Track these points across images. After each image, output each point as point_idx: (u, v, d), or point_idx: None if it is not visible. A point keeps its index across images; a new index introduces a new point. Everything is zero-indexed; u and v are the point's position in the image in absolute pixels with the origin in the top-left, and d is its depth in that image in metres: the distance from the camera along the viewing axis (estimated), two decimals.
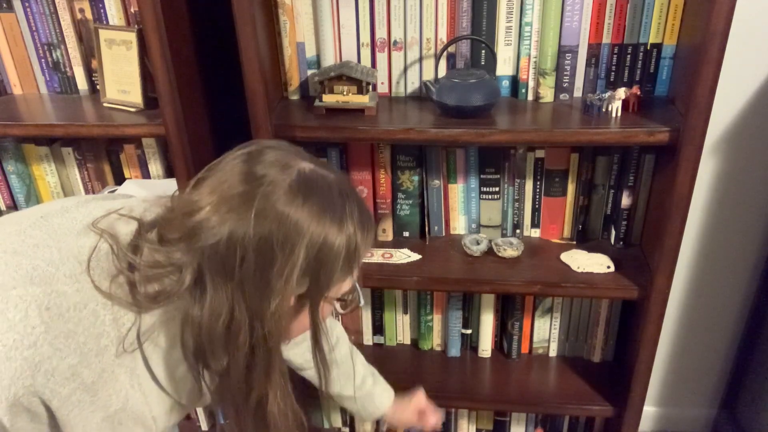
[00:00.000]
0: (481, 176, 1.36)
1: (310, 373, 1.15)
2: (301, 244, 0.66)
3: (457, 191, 1.39)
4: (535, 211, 1.39)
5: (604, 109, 1.16)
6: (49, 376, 0.63)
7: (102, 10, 1.27)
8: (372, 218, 0.76)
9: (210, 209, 0.66)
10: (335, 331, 1.18)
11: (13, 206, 1.47)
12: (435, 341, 1.61)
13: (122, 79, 1.27)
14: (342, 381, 1.15)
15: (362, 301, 0.81)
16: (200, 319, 0.67)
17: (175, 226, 0.68)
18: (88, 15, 1.28)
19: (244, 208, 0.65)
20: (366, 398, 1.19)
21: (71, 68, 1.34)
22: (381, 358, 1.60)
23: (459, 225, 1.43)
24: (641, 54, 1.21)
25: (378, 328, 1.61)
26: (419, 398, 1.27)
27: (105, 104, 1.30)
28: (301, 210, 0.66)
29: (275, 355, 0.71)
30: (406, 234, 1.43)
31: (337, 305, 0.79)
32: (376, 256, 1.37)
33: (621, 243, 1.36)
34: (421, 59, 1.25)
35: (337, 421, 1.71)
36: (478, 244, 1.36)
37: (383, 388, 1.23)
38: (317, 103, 1.21)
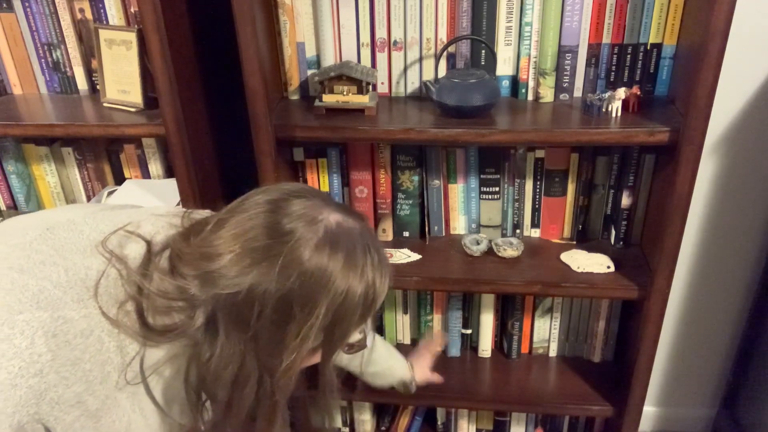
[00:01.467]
0: (481, 176, 1.36)
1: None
2: (322, 303, 0.65)
3: (457, 191, 1.38)
4: (535, 211, 1.39)
5: (604, 109, 1.16)
6: (54, 404, 0.62)
7: (102, 10, 1.27)
8: (389, 265, 0.74)
9: (232, 258, 0.64)
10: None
11: (13, 206, 1.47)
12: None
13: (122, 79, 1.27)
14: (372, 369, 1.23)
15: (369, 344, 0.81)
16: (209, 364, 0.66)
17: (191, 264, 0.66)
18: (88, 15, 1.28)
19: (268, 263, 0.64)
20: (388, 372, 1.28)
21: (71, 68, 1.34)
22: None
23: (459, 225, 1.43)
24: (641, 54, 1.21)
25: (378, 328, 1.61)
26: (420, 349, 1.38)
27: (105, 104, 1.30)
28: (326, 267, 0.65)
29: (279, 408, 0.70)
30: (406, 234, 1.43)
31: (345, 348, 0.78)
32: None
33: (621, 243, 1.36)
34: (421, 59, 1.25)
35: (337, 421, 1.71)
36: (478, 244, 1.36)
37: (401, 364, 1.30)
38: (317, 103, 1.21)
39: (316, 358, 0.73)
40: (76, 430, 0.65)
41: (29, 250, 0.69)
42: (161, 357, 0.68)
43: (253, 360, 0.66)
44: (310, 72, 1.29)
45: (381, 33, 1.24)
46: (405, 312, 1.58)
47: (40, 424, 0.62)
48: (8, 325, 0.62)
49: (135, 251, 0.70)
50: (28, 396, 0.61)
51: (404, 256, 1.37)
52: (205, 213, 0.78)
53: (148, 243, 0.70)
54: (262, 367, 0.66)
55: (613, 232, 1.37)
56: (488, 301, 1.51)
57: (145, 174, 1.40)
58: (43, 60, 1.34)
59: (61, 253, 0.69)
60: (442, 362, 1.58)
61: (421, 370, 1.34)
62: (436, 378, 1.38)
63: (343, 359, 1.14)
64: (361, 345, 0.79)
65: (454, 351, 1.59)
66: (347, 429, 1.72)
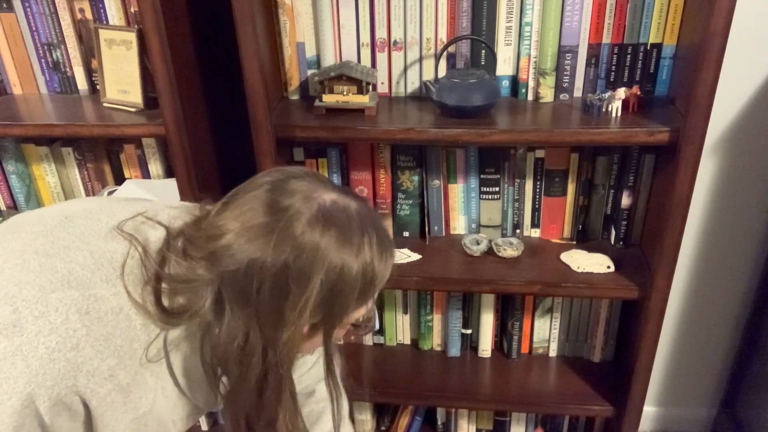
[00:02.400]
0: (481, 176, 1.36)
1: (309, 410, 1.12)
2: (316, 277, 0.67)
3: (457, 191, 1.39)
4: (535, 211, 1.39)
5: (604, 109, 1.16)
6: (90, 377, 0.65)
7: (102, 10, 1.27)
8: (392, 246, 0.76)
9: (232, 236, 0.67)
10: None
11: (13, 206, 1.47)
12: (435, 341, 1.61)
13: (122, 79, 1.27)
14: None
15: (377, 326, 0.82)
16: (218, 339, 0.69)
17: (199, 246, 0.69)
18: (88, 15, 1.28)
19: (265, 238, 0.66)
20: None
21: (71, 68, 1.34)
22: (381, 358, 1.60)
23: (459, 225, 1.43)
24: (641, 54, 1.21)
25: (378, 328, 1.61)
26: None
27: (105, 104, 1.30)
28: (318, 243, 0.67)
29: (286, 380, 0.73)
30: (406, 234, 1.43)
31: (352, 329, 0.80)
32: None
33: (621, 243, 1.37)
34: (421, 59, 1.25)
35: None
36: (478, 244, 1.36)
37: None
38: (317, 103, 1.21)
39: (320, 338, 0.74)
40: (108, 404, 0.68)
41: (51, 236, 0.71)
42: (180, 334, 0.72)
43: (256, 333, 0.68)
44: (310, 72, 1.29)
45: (381, 33, 1.24)
46: (405, 312, 1.58)
47: (77, 396, 0.65)
48: (42, 303, 0.65)
49: (154, 236, 0.73)
50: (66, 369, 0.64)
51: (404, 256, 1.37)
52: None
53: (167, 228, 0.73)
54: (265, 341, 0.68)
55: (613, 232, 1.37)
56: (488, 301, 1.51)
57: (145, 174, 1.40)
58: (43, 60, 1.34)
59: (83, 239, 0.71)
60: (442, 362, 1.59)
61: None
62: None
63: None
64: (369, 327, 0.81)
65: (454, 351, 1.59)
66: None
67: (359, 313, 0.76)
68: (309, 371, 1.09)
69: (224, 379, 0.75)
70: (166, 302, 0.69)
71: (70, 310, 0.65)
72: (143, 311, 0.69)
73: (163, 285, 0.69)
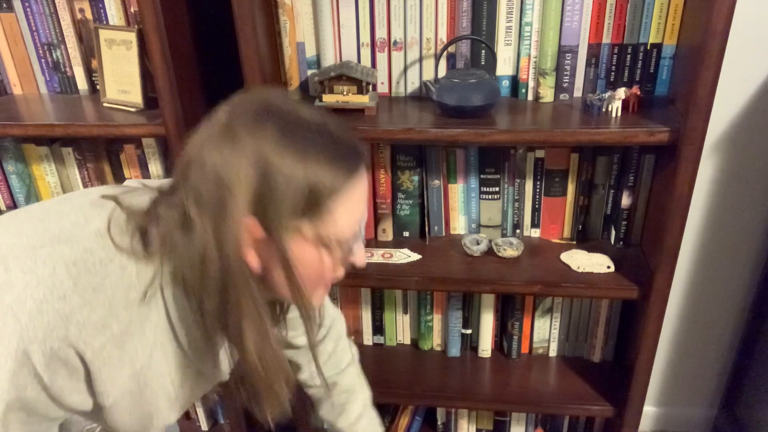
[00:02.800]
0: (481, 176, 1.36)
1: (314, 392, 1.16)
2: (246, 162, 0.66)
3: (457, 191, 1.39)
4: (535, 211, 1.39)
5: (604, 109, 1.16)
6: (81, 327, 0.65)
7: (102, 10, 1.27)
8: (358, 160, 0.72)
9: (194, 144, 0.69)
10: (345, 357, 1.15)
11: (13, 206, 1.47)
12: (435, 341, 1.61)
13: (122, 79, 1.27)
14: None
15: (359, 258, 0.79)
16: (188, 258, 0.70)
17: (176, 173, 0.72)
18: (88, 15, 1.28)
19: (217, 138, 0.68)
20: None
21: (71, 68, 1.34)
22: (381, 358, 1.60)
23: (459, 225, 1.43)
24: (641, 54, 1.21)
25: (378, 328, 1.61)
26: None
27: (105, 104, 1.30)
28: (255, 133, 0.66)
29: (244, 284, 0.70)
30: (406, 234, 1.43)
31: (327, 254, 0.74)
32: (376, 256, 1.37)
33: (621, 243, 1.37)
34: (421, 59, 1.25)
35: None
36: (478, 244, 1.36)
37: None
38: (317, 102, 1.21)
39: (279, 266, 0.71)
40: (105, 358, 0.68)
41: (46, 207, 0.74)
42: (173, 278, 0.72)
43: (210, 236, 0.68)
44: (310, 72, 1.29)
45: (381, 33, 1.24)
46: (405, 312, 1.58)
47: (71, 348, 0.65)
48: (31, 258, 0.65)
49: (145, 197, 0.75)
50: (55, 320, 0.64)
51: (404, 256, 1.37)
52: None
53: (158, 188, 0.75)
54: (217, 241, 0.68)
55: (613, 232, 1.37)
56: (488, 301, 1.51)
57: (145, 174, 1.40)
58: (43, 60, 1.34)
59: (78, 208, 0.73)
60: (442, 362, 1.59)
61: None
62: None
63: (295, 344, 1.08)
64: (344, 253, 0.76)
65: (454, 351, 1.59)
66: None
67: (322, 230, 0.70)
68: (327, 362, 1.10)
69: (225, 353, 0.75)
70: (152, 240, 0.70)
71: (58, 263, 0.65)
72: (134, 258, 0.69)
73: (150, 228, 0.71)
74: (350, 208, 0.72)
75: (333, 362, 1.11)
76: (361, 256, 0.79)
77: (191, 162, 0.69)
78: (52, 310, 0.64)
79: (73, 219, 0.71)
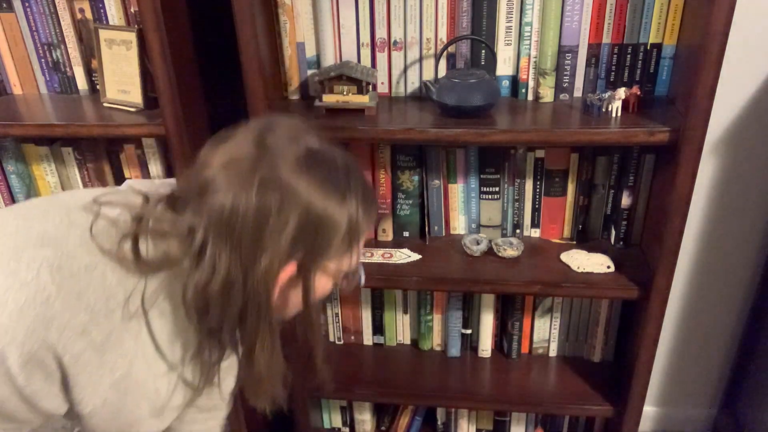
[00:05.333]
0: (481, 176, 1.36)
1: None
2: (296, 210, 0.68)
3: (457, 191, 1.39)
4: (535, 211, 1.39)
5: (604, 109, 1.16)
6: (61, 332, 0.65)
7: (102, 10, 1.27)
8: (376, 199, 0.79)
9: (219, 168, 0.69)
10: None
11: None
12: (435, 341, 1.61)
13: (122, 79, 1.27)
14: None
15: (363, 281, 0.83)
16: (201, 277, 0.70)
17: (189, 182, 0.71)
18: (88, 15, 1.28)
19: (250, 172, 0.68)
20: None
21: (71, 68, 1.34)
22: (381, 358, 1.60)
23: (459, 225, 1.43)
24: (641, 54, 1.21)
25: (378, 328, 1.61)
26: None
27: (105, 104, 1.29)
28: (302, 180, 0.69)
29: (264, 314, 0.73)
30: (406, 234, 1.43)
31: (339, 282, 0.81)
32: (376, 256, 1.37)
33: (621, 243, 1.37)
34: (421, 59, 1.25)
35: (337, 421, 1.71)
36: (478, 244, 1.36)
37: None
38: (317, 103, 1.21)
39: (299, 292, 0.75)
40: (83, 363, 0.68)
41: (31, 205, 0.74)
42: (158, 289, 0.72)
43: (237, 265, 0.69)
44: (310, 72, 1.29)
45: (381, 33, 1.24)
46: (405, 312, 1.58)
47: (50, 352, 0.65)
48: (14, 260, 0.65)
49: (133, 201, 0.75)
50: (35, 323, 0.63)
51: (404, 256, 1.37)
52: None
53: (145, 194, 0.75)
54: (245, 271, 0.69)
55: (613, 232, 1.37)
56: (488, 301, 1.51)
57: (145, 174, 1.40)
58: (43, 60, 1.34)
59: (63, 208, 0.73)
60: (442, 362, 1.59)
61: None
62: None
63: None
64: (355, 279, 0.82)
65: (454, 351, 1.59)
66: (347, 429, 1.72)
67: (345, 262, 0.77)
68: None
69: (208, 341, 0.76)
70: (144, 251, 0.70)
71: (42, 267, 0.65)
72: (119, 265, 0.69)
73: (141, 237, 0.70)
74: (363, 242, 0.78)
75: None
76: (363, 278, 0.85)
77: (212, 187, 0.68)
78: (33, 314, 0.63)
79: (58, 221, 0.70)
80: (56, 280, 0.65)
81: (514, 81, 1.27)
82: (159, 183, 0.82)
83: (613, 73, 1.23)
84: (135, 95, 1.26)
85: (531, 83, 1.25)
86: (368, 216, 0.75)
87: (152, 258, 0.70)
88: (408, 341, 1.63)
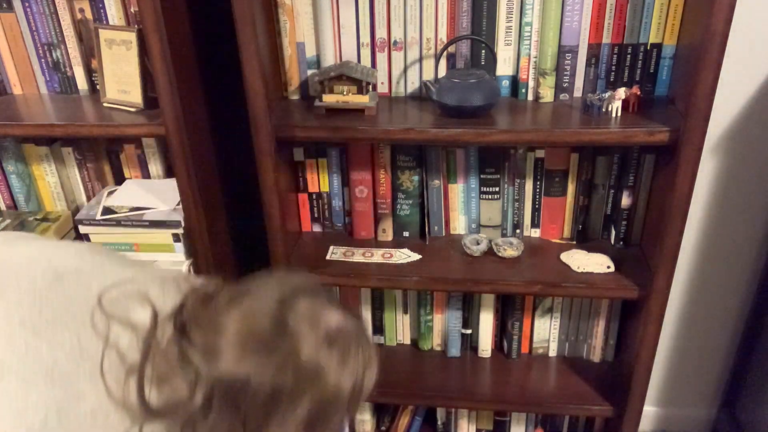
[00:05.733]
0: (481, 176, 1.36)
1: None
2: (309, 395, 0.68)
3: (457, 191, 1.39)
4: (535, 211, 1.39)
5: (604, 109, 1.16)
6: None
7: (102, 10, 1.27)
8: (376, 357, 0.79)
9: (235, 338, 0.67)
10: None
11: (13, 206, 1.47)
12: (435, 341, 1.61)
13: (122, 79, 1.27)
14: None
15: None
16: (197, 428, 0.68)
17: (202, 329, 0.68)
18: (88, 15, 1.28)
19: (267, 353, 0.67)
20: None
21: (71, 68, 1.34)
22: (381, 358, 1.59)
23: (459, 225, 1.43)
24: (641, 54, 1.21)
25: (378, 328, 1.61)
26: None
27: (105, 104, 1.29)
28: (321, 365, 0.69)
29: None
30: (406, 234, 1.43)
31: None
32: (376, 256, 1.37)
33: (621, 243, 1.37)
34: (421, 59, 1.25)
35: None
36: (478, 244, 1.36)
37: None
38: (317, 103, 1.21)
39: None
40: None
41: (39, 303, 0.69)
42: (157, 428, 0.70)
43: None
44: (310, 72, 1.29)
45: (381, 33, 1.24)
46: (405, 312, 1.58)
47: None
48: (22, 398, 0.64)
49: (143, 317, 0.70)
50: None
51: (404, 256, 1.37)
52: (205, 280, 0.80)
53: (155, 311, 0.71)
54: None
55: (613, 232, 1.37)
56: (488, 301, 1.51)
57: (145, 174, 1.40)
58: (43, 60, 1.34)
59: (71, 312, 0.69)
60: (442, 362, 1.59)
61: None
62: None
63: None
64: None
65: (454, 351, 1.59)
66: (347, 429, 1.72)
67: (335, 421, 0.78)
68: None
69: None
70: (150, 394, 0.67)
71: (50, 411, 0.64)
72: (123, 408, 0.67)
73: (147, 371, 0.68)
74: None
75: None
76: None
77: (225, 357, 0.67)
78: None
79: (68, 347, 0.67)
80: (63, 424, 0.64)
81: (514, 81, 1.27)
82: (169, 279, 0.78)
83: (613, 73, 1.23)
84: (135, 95, 1.26)
85: (531, 83, 1.25)
86: (372, 377, 0.76)
87: (155, 406, 0.68)
88: (408, 341, 1.63)
